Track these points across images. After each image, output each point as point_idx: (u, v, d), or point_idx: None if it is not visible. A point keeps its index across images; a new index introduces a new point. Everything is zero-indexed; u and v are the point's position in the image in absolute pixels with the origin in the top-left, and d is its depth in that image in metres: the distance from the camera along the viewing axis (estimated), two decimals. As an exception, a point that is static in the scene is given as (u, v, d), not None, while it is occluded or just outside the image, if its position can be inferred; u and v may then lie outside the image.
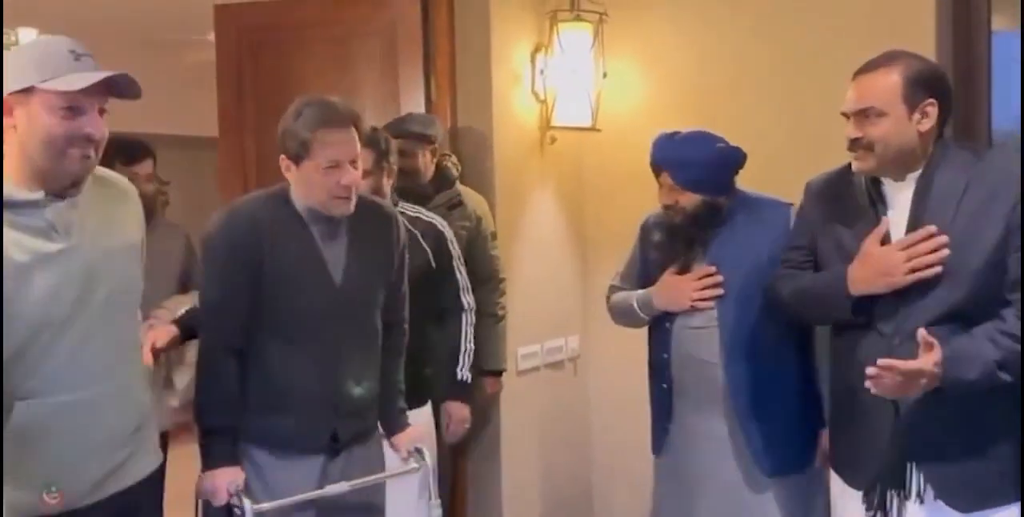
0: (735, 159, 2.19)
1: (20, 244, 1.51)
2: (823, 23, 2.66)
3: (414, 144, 2.71)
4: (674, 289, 2.19)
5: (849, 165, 1.92)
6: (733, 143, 2.20)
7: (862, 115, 1.82)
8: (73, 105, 1.52)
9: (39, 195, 1.55)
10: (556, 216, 3.19)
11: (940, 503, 1.79)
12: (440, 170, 2.81)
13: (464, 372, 2.61)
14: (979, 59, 2.49)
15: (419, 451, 2.08)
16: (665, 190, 2.19)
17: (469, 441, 2.92)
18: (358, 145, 1.92)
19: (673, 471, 2.26)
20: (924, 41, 2.38)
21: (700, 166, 2.16)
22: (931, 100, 1.82)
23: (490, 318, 2.77)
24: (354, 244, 1.99)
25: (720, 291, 2.15)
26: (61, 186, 1.57)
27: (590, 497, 3.29)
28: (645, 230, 2.37)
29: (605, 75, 3.03)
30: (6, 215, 1.51)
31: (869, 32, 2.48)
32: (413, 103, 2.98)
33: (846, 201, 1.92)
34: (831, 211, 1.95)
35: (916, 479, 1.80)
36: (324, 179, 1.87)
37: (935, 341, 1.67)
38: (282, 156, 1.91)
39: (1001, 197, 1.74)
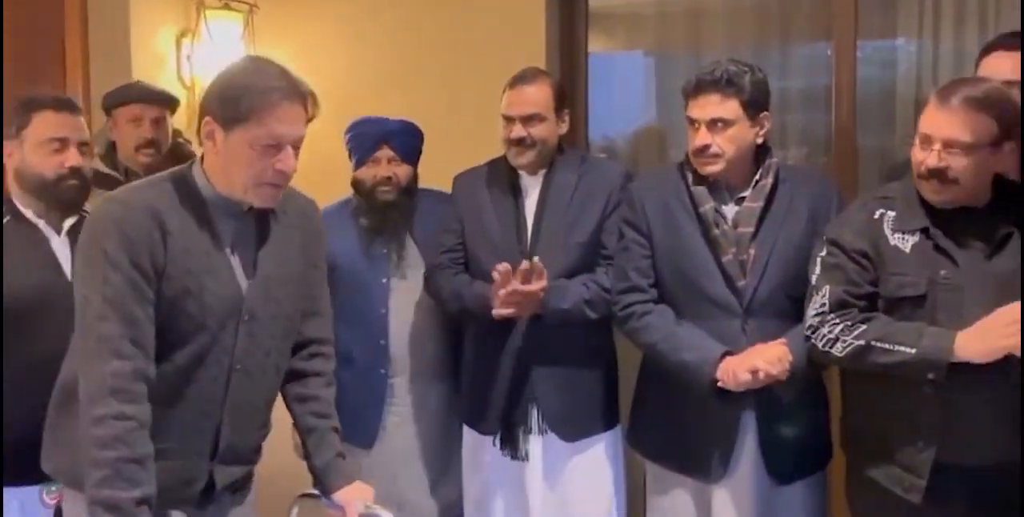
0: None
1: None
2: (457, 37, 2.92)
3: (161, 109, 2.52)
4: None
5: (494, 160, 2.33)
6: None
7: (530, 120, 2.18)
8: None
9: None
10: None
11: (552, 435, 2.25)
12: (177, 147, 2.61)
13: None
14: (579, 78, 3.01)
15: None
16: (383, 164, 2.34)
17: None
18: (304, 128, 1.58)
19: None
20: (536, 61, 2.80)
21: (415, 136, 2.39)
22: (566, 109, 2.27)
23: None
24: (272, 245, 1.65)
25: None
26: None
27: None
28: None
29: (257, 66, 3.07)
30: None
31: (495, 54, 2.79)
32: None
33: (492, 189, 2.30)
34: (478, 198, 2.31)
35: (535, 416, 2.25)
36: (257, 158, 1.52)
37: (544, 271, 2.10)
38: (207, 118, 1.54)
39: (598, 194, 2.24)
